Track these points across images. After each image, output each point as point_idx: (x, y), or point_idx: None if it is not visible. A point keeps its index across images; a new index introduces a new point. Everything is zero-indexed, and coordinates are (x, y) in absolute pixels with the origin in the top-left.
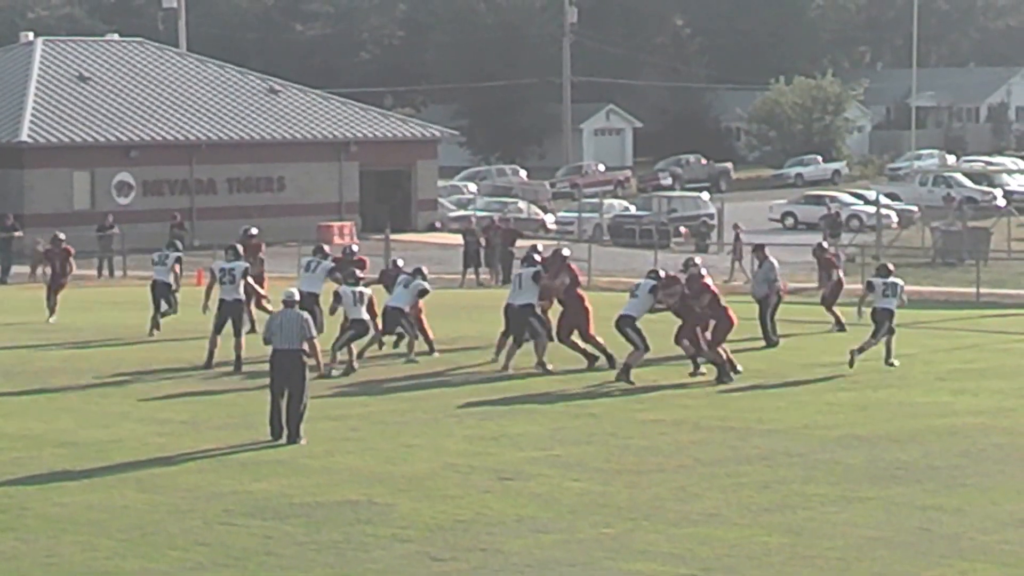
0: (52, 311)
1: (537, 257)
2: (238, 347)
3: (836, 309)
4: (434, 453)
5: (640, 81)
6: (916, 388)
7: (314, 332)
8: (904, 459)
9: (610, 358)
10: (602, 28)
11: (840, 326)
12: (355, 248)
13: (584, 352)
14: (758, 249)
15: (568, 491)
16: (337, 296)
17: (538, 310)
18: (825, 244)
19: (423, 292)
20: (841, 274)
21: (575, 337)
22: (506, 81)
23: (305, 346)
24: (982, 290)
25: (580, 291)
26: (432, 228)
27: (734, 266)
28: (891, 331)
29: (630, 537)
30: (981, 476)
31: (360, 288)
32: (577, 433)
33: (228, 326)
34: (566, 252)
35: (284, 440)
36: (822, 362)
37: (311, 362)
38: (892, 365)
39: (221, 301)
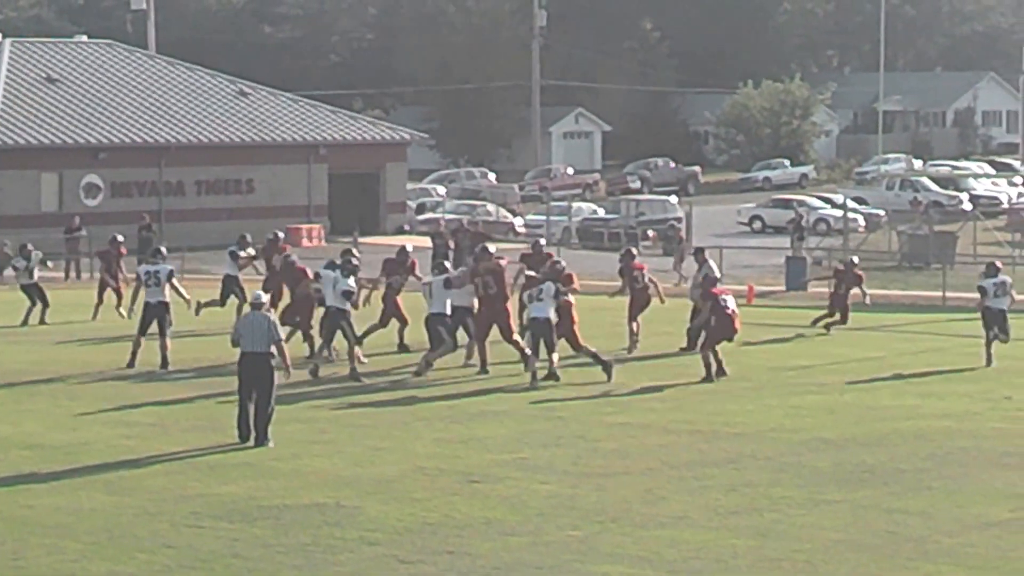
0: (120, 307)
1: (448, 264)
2: (164, 347)
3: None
4: (402, 456)
5: (609, 84)
6: (883, 391)
7: (281, 335)
8: (871, 462)
9: (527, 360)
10: (571, 32)
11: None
12: (408, 249)
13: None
14: (698, 252)
15: (536, 494)
16: (317, 276)
17: (446, 320)
18: (855, 260)
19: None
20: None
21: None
22: (475, 84)
23: (273, 349)
24: (948, 294)
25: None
26: (401, 231)
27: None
28: (1005, 333)
29: (597, 540)
30: (947, 479)
31: (338, 275)
32: (545, 436)
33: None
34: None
35: (252, 443)
36: (789, 365)
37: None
38: (990, 364)
39: (146, 303)
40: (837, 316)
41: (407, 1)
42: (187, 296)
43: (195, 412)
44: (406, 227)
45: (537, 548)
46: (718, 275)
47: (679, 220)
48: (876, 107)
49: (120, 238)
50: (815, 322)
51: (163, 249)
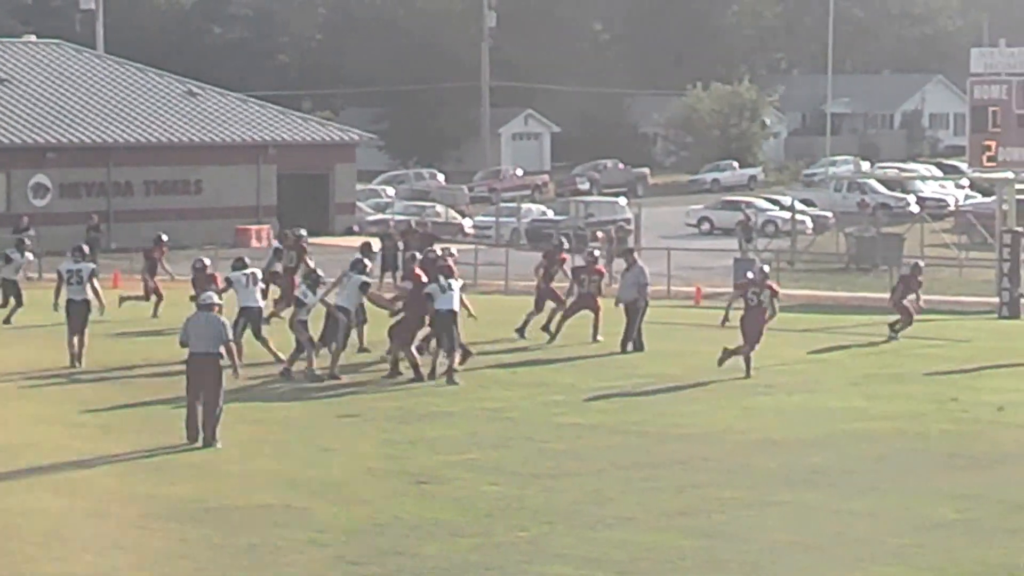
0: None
1: (367, 263)
2: (81, 345)
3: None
4: (351, 457)
5: (558, 86)
6: (830, 393)
7: (231, 335)
8: (818, 463)
9: (408, 368)
10: (521, 33)
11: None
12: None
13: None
14: (627, 253)
15: (485, 495)
16: (228, 282)
17: (342, 316)
18: (921, 263)
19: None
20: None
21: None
22: (425, 85)
23: (222, 349)
24: None
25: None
26: (350, 231)
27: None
28: None
29: (546, 541)
30: (894, 480)
31: (252, 270)
32: (494, 437)
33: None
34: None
35: (200, 444)
36: (737, 367)
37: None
38: None
39: (69, 301)
40: (903, 318)
41: (357, 2)
42: (102, 299)
43: (144, 413)
44: (355, 228)
45: (486, 549)
46: (648, 278)
47: (628, 221)
48: (824, 109)
49: (164, 237)
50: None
51: (85, 248)
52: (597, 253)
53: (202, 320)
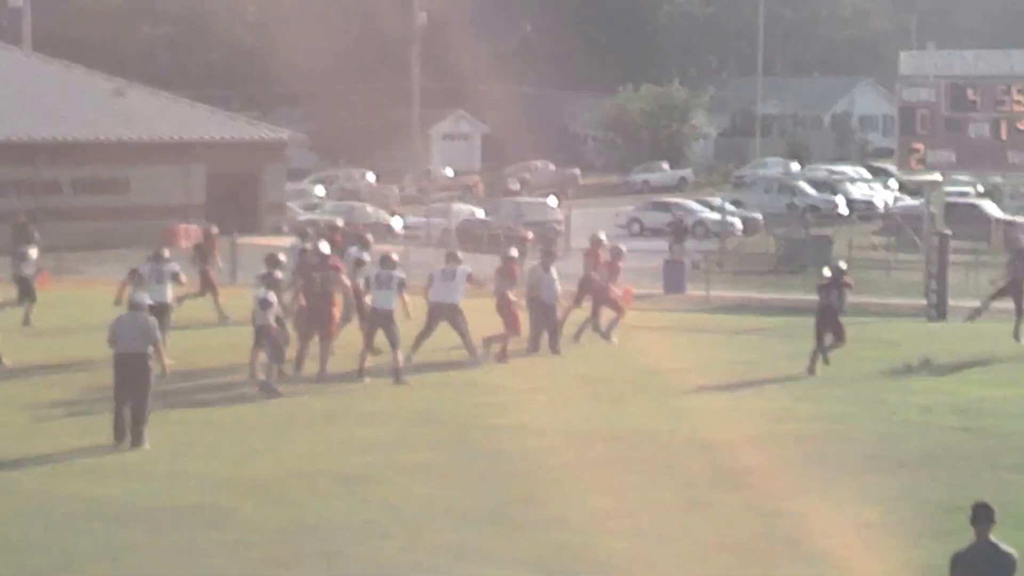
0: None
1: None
2: None
3: None
4: (280, 458)
5: (489, 87)
6: (758, 394)
7: (159, 336)
8: (747, 464)
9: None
10: (452, 34)
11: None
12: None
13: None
14: (546, 256)
15: (414, 496)
16: (136, 273)
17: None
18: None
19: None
20: None
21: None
22: (355, 85)
23: (149, 349)
24: None
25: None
26: (279, 231)
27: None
28: None
29: (474, 542)
30: (822, 481)
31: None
32: (422, 439)
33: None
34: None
35: (128, 444)
36: (667, 368)
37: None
38: None
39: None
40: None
41: (287, 1)
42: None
43: (71, 413)
44: (284, 228)
45: (414, 551)
46: (558, 286)
47: (558, 222)
48: (754, 110)
49: (215, 230)
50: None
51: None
52: (515, 254)
53: (129, 320)
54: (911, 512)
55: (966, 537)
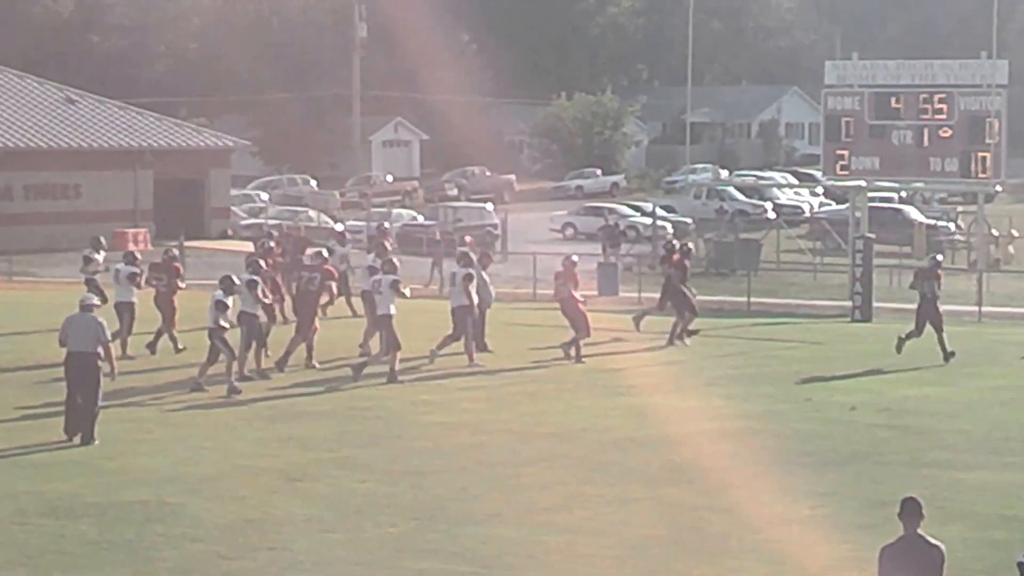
0: None
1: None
2: None
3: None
4: (224, 455)
5: (427, 95)
6: (689, 393)
7: (108, 336)
8: (677, 461)
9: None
10: (391, 44)
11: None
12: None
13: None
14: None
15: (354, 492)
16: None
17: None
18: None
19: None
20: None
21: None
22: (298, 94)
23: (99, 350)
24: (752, 299)
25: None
26: (225, 236)
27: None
28: None
29: (414, 536)
30: (750, 478)
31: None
32: (363, 436)
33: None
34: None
35: (78, 441)
36: (600, 368)
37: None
38: None
39: None
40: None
41: (231, 12)
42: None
43: (22, 412)
44: (229, 232)
45: (355, 544)
46: (492, 289)
47: (495, 227)
48: (684, 119)
49: (272, 243)
50: None
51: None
52: (575, 258)
53: (80, 320)
54: (839, 507)
55: (893, 531)
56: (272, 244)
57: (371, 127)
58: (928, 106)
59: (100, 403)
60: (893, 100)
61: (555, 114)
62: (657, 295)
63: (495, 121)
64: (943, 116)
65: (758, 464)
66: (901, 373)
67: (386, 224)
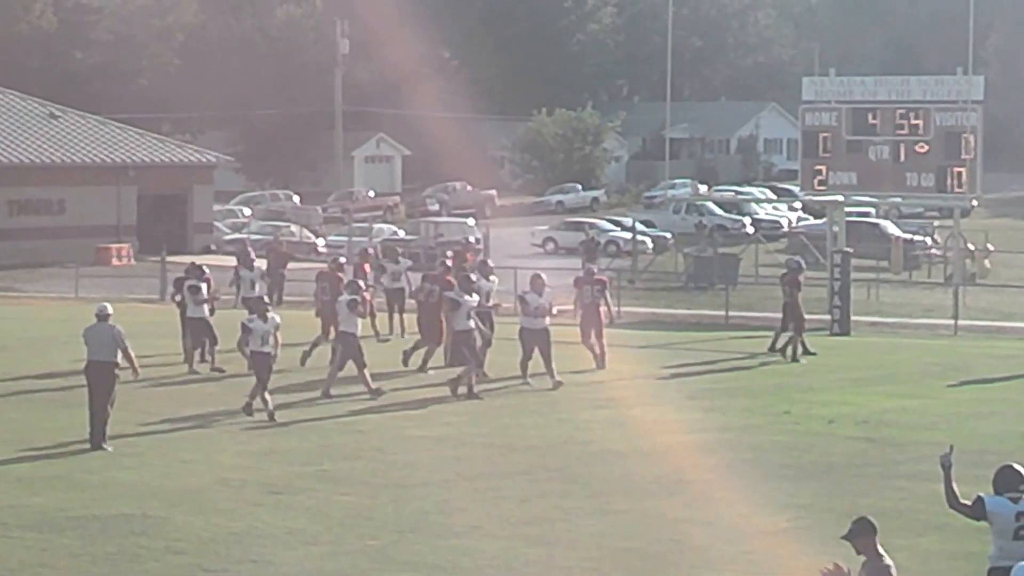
0: None
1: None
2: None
3: None
4: (207, 468)
5: (409, 111)
6: (668, 406)
7: (126, 342)
8: (657, 474)
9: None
10: (373, 60)
11: None
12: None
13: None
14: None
15: (336, 504)
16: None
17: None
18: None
19: None
20: None
21: None
22: (280, 109)
23: (119, 357)
24: (731, 313)
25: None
26: (208, 250)
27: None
28: None
29: (395, 549)
30: (729, 490)
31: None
32: (345, 449)
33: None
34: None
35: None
36: (580, 381)
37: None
38: None
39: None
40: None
41: (214, 27)
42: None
43: (4, 425)
44: (212, 247)
45: (337, 557)
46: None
47: (476, 241)
48: (663, 134)
49: (343, 259)
50: None
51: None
52: (595, 269)
53: (96, 330)
54: (817, 519)
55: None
56: (343, 260)
57: (353, 142)
58: (905, 122)
59: (111, 410)
60: (870, 116)
61: (536, 129)
62: (638, 309)
63: (476, 136)
64: (920, 132)
65: (737, 476)
66: (879, 386)
67: (369, 250)
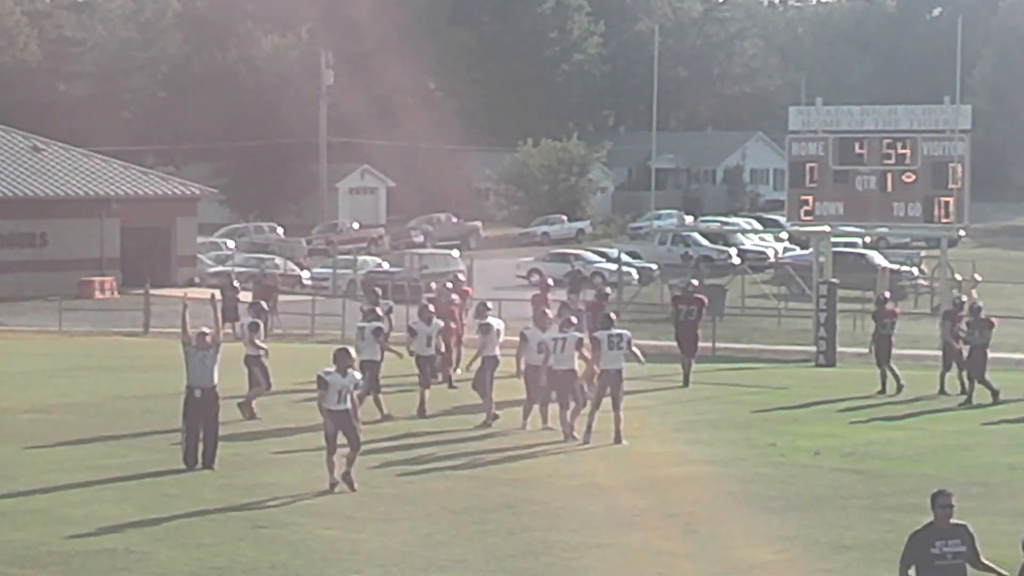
0: None
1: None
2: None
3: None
4: (190, 502)
5: (394, 142)
6: (653, 438)
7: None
8: (642, 506)
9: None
10: (357, 91)
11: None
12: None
13: None
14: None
15: (320, 538)
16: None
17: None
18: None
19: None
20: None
21: None
22: (264, 141)
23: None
24: (717, 344)
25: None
26: (191, 283)
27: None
28: None
29: None
30: (714, 523)
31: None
32: (328, 482)
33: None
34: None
35: (199, 467)
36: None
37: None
38: None
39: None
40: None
41: (198, 60)
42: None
43: None
44: (196, 279)
45: None
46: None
47: (461, 273)
48: (649, 165)
49: (450, 284)
50: None
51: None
52: (608, 291)
53: (200, 357)
54: (802, 551)
55: (856, 575)
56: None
57: (338, 174)
58: (892, 151)
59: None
60: (857, 145)
61: (521, 160)
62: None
63: (461, 168)
64: (907, 161)
65: (722, 509)
66: (865, 418)
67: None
